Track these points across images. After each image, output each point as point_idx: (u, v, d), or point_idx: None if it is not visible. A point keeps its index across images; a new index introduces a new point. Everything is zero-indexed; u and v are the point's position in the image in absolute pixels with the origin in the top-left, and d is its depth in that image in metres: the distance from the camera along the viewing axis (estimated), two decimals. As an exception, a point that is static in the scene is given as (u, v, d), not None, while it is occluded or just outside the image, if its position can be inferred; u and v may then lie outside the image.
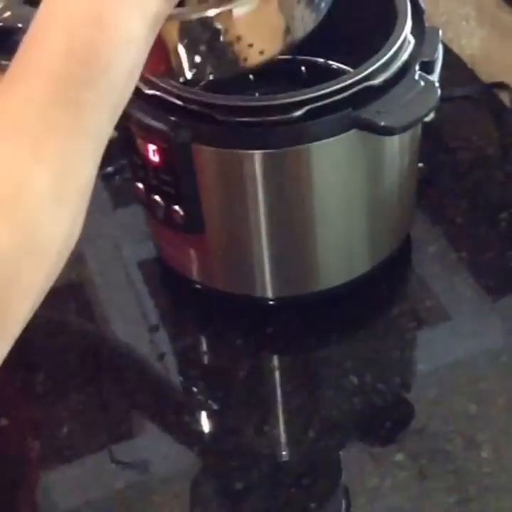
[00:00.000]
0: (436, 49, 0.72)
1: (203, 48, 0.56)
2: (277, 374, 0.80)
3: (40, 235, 0.43)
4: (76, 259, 0.88)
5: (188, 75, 0.58)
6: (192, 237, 0.78)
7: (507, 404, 0.75)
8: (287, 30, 0.58)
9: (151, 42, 0.49)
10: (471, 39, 1.06)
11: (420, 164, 0.89)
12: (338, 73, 0.77)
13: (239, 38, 0.56)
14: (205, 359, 0.80)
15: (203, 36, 0.55)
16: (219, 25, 0.55)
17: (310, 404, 0.77)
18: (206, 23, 0.55)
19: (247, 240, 0.77)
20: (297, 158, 0.71)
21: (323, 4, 0.59)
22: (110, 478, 0.72)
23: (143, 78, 0.68)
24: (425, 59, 0.71)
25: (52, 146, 0.44)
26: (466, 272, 0.85)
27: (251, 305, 0.82)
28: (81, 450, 0.74)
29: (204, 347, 0.81)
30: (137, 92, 0.69)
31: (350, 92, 0.68)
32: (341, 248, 0.80)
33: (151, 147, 0.73)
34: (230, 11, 0.55)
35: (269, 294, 0.81)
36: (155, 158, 0.73)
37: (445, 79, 0.98)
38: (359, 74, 0.69)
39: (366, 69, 0.69)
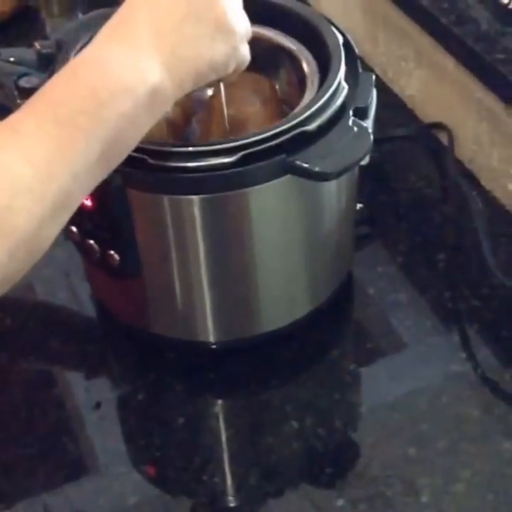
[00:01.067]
0: (369, 95, 0.73)
1: None
2: (217, 420, 0.79)
3: (7, 219, 0.50)
4: (12, 304, 0.87)
5: None
6: (130, 281, 0.78)
7: (447, 446, 0.75)
8: None
9: (153, 105, 0.58)
10: (410, 79, 1.07)
11: (360, 205, 0.90)
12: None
13: None
14: (144, 406, 0.79)
15: None
16: None
17: (250, 450, 0.76)
18: None
19: (187, 285, 0.77)
20: (233, 203, 0.71)
21: None
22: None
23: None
24: (359, 105, 0.71)
25: (42, 152, 0.52)
26: (406, 313, 0.85)
27: (191, 350, 0.81)
28: (14, 499, 0.73)
29: (143, 393, 0.79)
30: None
31: (285, 137, 0.68)
32: (282, 291, 0.80)
33: None
34: None
35: (210, 338, 0.80)
36: (88, 202, 0.72)
37: (385, 119, 0.99)
38: (293, 119, 0.69)
39: (300, 115, 0.69)
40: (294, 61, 0.80)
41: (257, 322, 0.81)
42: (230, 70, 0.64)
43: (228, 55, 0.63)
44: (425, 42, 0.99)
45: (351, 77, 0.74)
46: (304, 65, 0.78)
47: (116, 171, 0.68)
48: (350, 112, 0.70)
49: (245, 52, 0.66)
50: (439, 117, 1.03)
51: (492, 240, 0.88)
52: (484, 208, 0.92)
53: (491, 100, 0.91)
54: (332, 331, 0.85)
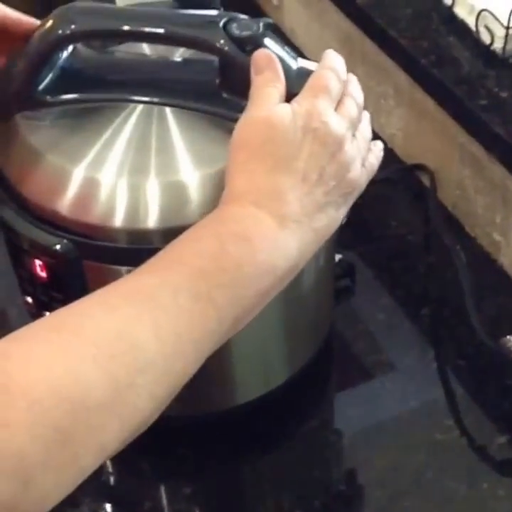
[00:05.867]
0: None
1: None
2: (187, 502, 0.74)
3: (127, 401, 0.45)
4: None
5: None
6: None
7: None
8: None
9: (287, 279, 0.55)
10: (390, 118, 1.02)
11: (339, 256, 0.85)
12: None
13: None
14: (107, 488, 0.73)
15: None
16: None
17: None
18: None
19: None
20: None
21: None
22: None
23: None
24: None
25: (172, 326, 0.48)
26: (388, 376, 0.80)
27: (160, 425, 0.76)
28: None
29: (106, 474, 0.74)
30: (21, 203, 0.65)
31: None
32: (257, 360, 0.75)
33: (38, 262, 0.66)
34: None
35: (178, 412, 0.74)
36: (42, 273, 0.67)
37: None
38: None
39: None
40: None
41: (231, 395, 0.76)
42: None
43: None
44: (405, 80, 0.95)
45: None
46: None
47: (72, 241, 0.64)
48: None
49: None
50: (421, 158, 0.98)
51: (477, 293, 0.83)
52: (468, 256, 0.88)
53: (473, 146, 0.86)
54: (310, 399, 0.79)
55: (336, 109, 0.58)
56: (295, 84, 0.60)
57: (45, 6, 0.68)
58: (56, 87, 0.66)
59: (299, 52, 1.21)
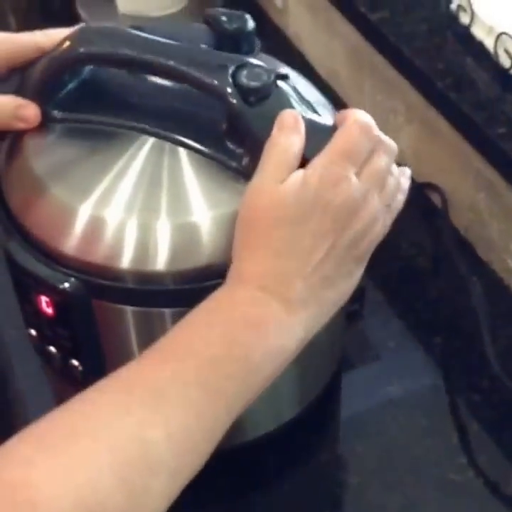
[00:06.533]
0: None
1: None
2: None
3: (143, 504, 0.45)
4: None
5: None
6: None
7: None
8: None
9: (293, 356, 0.54)
10: (400, 134, 1.00)
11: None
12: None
13: None
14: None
15: None
16: None
17: None
18: None
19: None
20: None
21: None
22: None
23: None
24: None
25: (181, 419, 0.48)
26: (398, 409, 0.78)
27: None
28: None
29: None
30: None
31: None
32: (268, 396, 0.72)
33: (44, 298, 0.64)
34: None
35: None
36: (49, 310, 0.64)
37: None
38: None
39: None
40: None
41: (238, 431, 0.73)
42: None
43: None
44: (417, 98, 0.92)
45: None
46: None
47: (80, 279, 0.62)
48: None
49: None
50: (432, 177, 0.96)
51: (491, 322, 0.81)
52: (480, 280, 0.86)
53: (489, 171, 0.83)
54: (319, 433, 0.77)
55: (362, 169, 0.55)
56: (314, 144, 0.56)
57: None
58: (67, 105, 0.65)
59: (302, 59, 1.19)
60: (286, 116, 0.56)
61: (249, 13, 0.64)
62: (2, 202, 0.65)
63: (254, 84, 0.57)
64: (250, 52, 0.64)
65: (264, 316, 0.53)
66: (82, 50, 0.62)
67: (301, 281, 0.53)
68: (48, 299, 0.63)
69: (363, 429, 0.78)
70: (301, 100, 0.60)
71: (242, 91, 0.57)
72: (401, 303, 0.87)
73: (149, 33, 0.62)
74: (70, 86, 0.65)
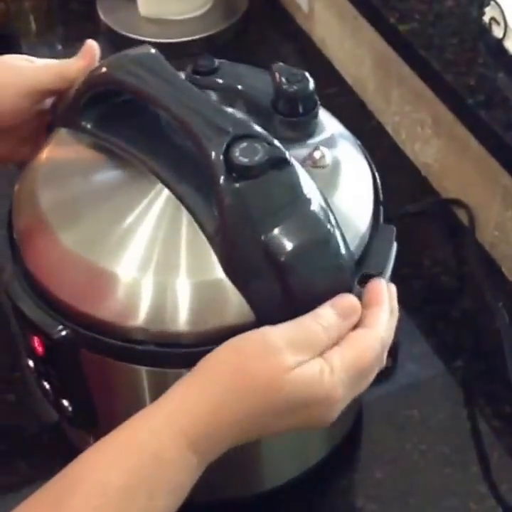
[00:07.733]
0: (386, 261, 0.60)
1: None
2: None
3: None
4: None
5: None
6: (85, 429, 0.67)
7: None
8: None
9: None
10: (426, 146, 0.97)
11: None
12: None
13: None
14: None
15: None
16: None
17: None
18: None
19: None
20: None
21: None
22: None
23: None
24: (369, 271, 0.58)
25: None
26: (419, 435, 0.76)
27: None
28: None
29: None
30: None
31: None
32: (292, 443, 0.68)
33: (36, 338, 0.61)
34: None
35: (207, 497, 0.63)
36: (39, 347, 0.61)
37: (396, 186, 0.89)
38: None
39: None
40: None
41: (257, 480, 0.70)
42: None
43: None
44: (445, 112, 0.89)
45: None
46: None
47: (70, 328, 0.57)
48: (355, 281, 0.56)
49: None
50: (458, 193, 0.94)
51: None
52: (505, 301, 0.83)
53: (518, 191, 0.81)
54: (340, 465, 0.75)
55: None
56: None
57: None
58: (100, 121, 0.63)
59: (328, 65, 1.16)
60: (347, 302, 0.53)
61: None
62: (11, 239, 0.62)
63: (243, 160, 0.52)
64: (307, 113, 0.62)
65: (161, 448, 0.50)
66: (108, 75, 0.61)
67: (232, 443, 0.52)
68: (38, 340, 0.61)
69: (383, 455, 0.76)
70: (296, 194, 0.54)
71: (228, 163, 0.53)
72: (423, 324, 0.85)
73: (222, 68, 0.63)
74: (114, 100, 0.63)
